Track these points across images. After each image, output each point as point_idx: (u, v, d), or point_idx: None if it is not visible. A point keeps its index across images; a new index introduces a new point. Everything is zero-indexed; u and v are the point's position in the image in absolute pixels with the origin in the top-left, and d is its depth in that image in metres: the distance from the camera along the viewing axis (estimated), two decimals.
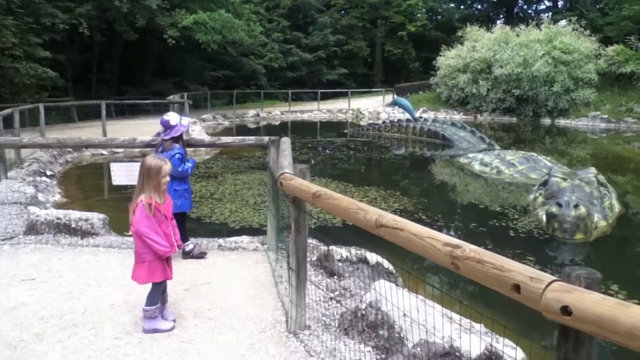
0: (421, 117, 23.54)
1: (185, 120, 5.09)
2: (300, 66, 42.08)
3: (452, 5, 51.03)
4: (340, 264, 5.17)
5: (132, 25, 25.15)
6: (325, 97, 35.28)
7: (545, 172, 12.21)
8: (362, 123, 27.88)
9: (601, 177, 9.48)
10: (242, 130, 25.51)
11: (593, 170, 9.85)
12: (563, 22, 33.63)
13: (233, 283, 4.64)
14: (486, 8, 53.59)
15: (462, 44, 32.77)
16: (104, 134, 15.89)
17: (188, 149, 5.27)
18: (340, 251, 5.27)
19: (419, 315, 3.50)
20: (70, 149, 12.21)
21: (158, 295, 3.63)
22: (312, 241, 6.16)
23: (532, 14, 48.39)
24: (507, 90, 29.56)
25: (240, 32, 27.34)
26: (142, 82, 31.20)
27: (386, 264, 5.34)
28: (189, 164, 5.04)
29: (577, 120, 28.55)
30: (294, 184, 3.31)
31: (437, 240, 2.05)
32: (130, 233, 3.51)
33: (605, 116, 27.98)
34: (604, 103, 29.10)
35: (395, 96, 34.19)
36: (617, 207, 9.09)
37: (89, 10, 22.94)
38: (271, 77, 40.30)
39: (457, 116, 30.39)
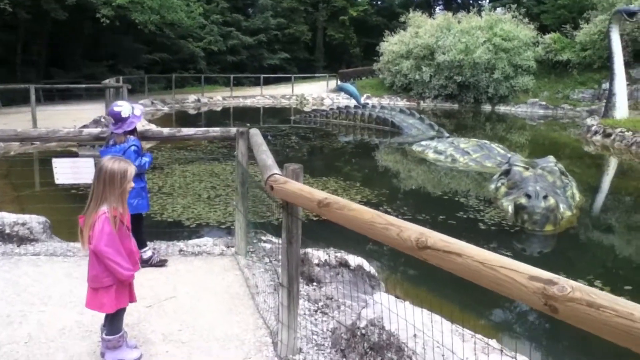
0: (367, 104, 23.28)
1: (138, 110, 4.44)
2: (240, 50, 40.94)
3: None
4: (318, 268, 4.69)
5: (61, 2, 23.44)
6: (267, 82, 34.46)
7: (500, 160, 12.17)
8: (306, 109, 27.38)
9: (561, 166, 9.42)
10: (183, 116, 24.48)
11: (552, 159, 9.78)
12: (499, 10, 34.22)
13: (203, 296, 4.08)
14: None
15: (404, 29, 32.71)
16: (34, 122, 14.65)
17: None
18: (317, 254, 4.79)
19: (424, 332, 3.08)
20: None
21: (121, 321, 3.04)
22: (276, 240, 5.66)
23: (470, 1, 49.16)
24: (449, 76, 29.75)
25: (180, 13, 26.08)
26: (72, 65, 29.36)
27: (367, 266, 4.91)
28: (146, 159, 4.41)
29: (517, 107, 29.14)
30: (290, 188, 2.78)
31: (517, 273, 1.61)
32: (85, 250, 2.88)
33: (544, 103, 28.68)
34: (542, 90, 29.83)
35: (339, 82, 33.84)
36: (577, 196, 9.05)
37: None
38: (211, 60, 39.01)
39: (401, 102, 30.36)
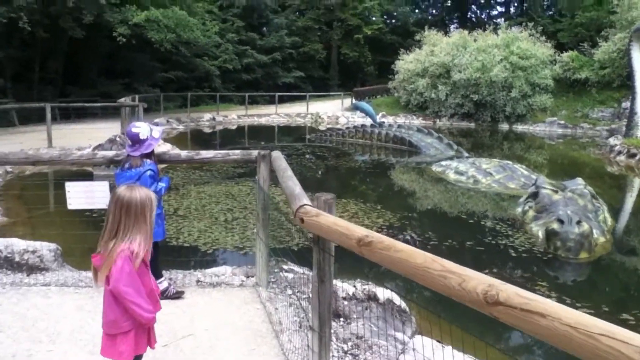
0: (383, 122, 23.04)
1: (157, 132, 4.20)
2: (255, 68, 41.00)
3: (407, 8, 51.02)
4: (345, 302, 4.38)
5: (78, 21, 23.55)
6: (282, 100, 34.39)
7: (524, 181, 11.81)
8: (321, 128, 27.19)
9: (590, 189, 9.03)
10: (198, 135, 24.37)
11: (581, 181, 9.40)
12: (515, 29, 33.94)
13: (222, 333, 3.78)
14: (440, 12, 53.95)
15: (420, 47, 32.54)
16: (49, 141, 14.57)
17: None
18: (343, 286, 4.48)
19: None
20: None
21: None
22: (299, 270, 5.36)
23: (485, 19, 49.02)
24: (465, 95, 29.44)
25: (196, 31, 26.15)
26: (88, 83, 29.48)
27: (397, 299, 4.59)
28: (162, 184, 4.15)
29: (535, 126, 28.70)
30: (324, 222, 2.49)
31: (626, 345, 1.29)
32: (99, 286, 2.59)
33: (562, 122, 28.22)
34: (560, 109, 29.39)
35: (354, 100, 33.69)
36: (609, 221, 8.66)
37: (30, 3, 21.20)
38: (225, 79, 39.06)
39: (416, 121, 30.08)
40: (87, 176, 9.72)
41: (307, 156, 16.77)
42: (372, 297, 4.47)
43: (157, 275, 4.32)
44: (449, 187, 12.01)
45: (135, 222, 2.49)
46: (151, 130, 4.17)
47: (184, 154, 4.41)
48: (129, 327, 2.50)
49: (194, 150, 4.47)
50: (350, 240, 2.27)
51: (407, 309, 4.56)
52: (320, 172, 13.62)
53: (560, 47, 31.84)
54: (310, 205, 2.75)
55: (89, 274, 4.64)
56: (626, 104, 27.09)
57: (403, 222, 8.48)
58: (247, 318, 4.05)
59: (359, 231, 2.25)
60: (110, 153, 4.34)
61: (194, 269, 5.11)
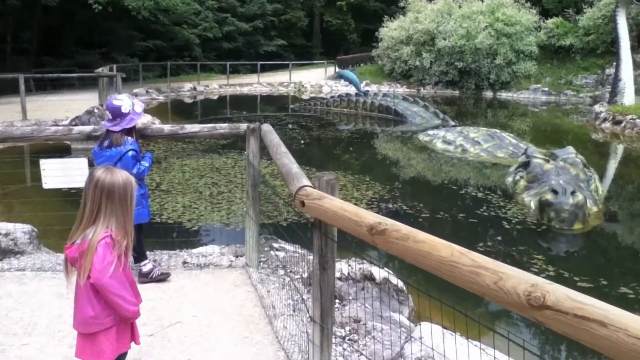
0: (367, 91, 22.69)
1: (139, 107, 3.89)
2: (236, 36, 40.05)
3: None
4: (340, 282, 4.16)
5: None
6: (264, 69, 33.70)
7: (512, 150, 11.66)
8: (304, 97, 26.76)
9: (582, 158, 8.88)
10: (178, 105, 23.81)
11: (572, 149, 9.25)
12: None
13: (212, 320, 3.54)
14: None
15: (404, 15, 31.99)
16: (24, 113, 14.03)
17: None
18: (339, 266, 4.25)
19: None
20: None
21: None
22: (290, 248, 5.13)
23: None
24: (450, 62, 29.11)
25: None
26: (64, 53, 28.54)
27: (393, 279, 4.38)
28: (145, 163, 3.85)
29: (519, 93, 28.54)
30: (329, 207, 2.23)
31: None
32: (70, 286, 2.32)
33: (546, 89, 28.09)
34: (544, 76, 29.24)
35: (337, 69, 33.20)
36: (600, 190, 8.54)
37: None
38: (206, 47, 38.13)
39: (401, 89, 29.75)
40: (65, 150, 9.33)
41: (291, 126, 16.43)
42: (369, 277, 4.25)
43: (141, 257, 4.07)
44: (437, 156, 11.82)
45: (117, 207, 2.23)
46: (133, 105, 3.85)
47: (166, 128, 4.10)
48: (110, 322, 2.25)
49: (177, 124, 4.17)
50: (360, 228, 2.02)
51: (405, 288, 4.36)
52: (305, 143, 13.31)
53: (545, 14, 31.50)
54: (311, 187, 2.48)
55: None
56: (610, 71, 27.03)
57: (393, 193, 8.26)
58: (238, 302, 3.81)
59: (371, 217, 2.00)
60: (87, 128, 4.01)
61: (180, 249, 4.84)
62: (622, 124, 16.21)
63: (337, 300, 4.05)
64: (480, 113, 23.59)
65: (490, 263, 1.57)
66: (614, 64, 24.00)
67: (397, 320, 3.83)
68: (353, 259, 4.47)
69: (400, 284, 4.36)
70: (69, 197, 5.62)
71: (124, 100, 3.76)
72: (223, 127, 4.21)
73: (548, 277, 5.26)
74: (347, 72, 24.21)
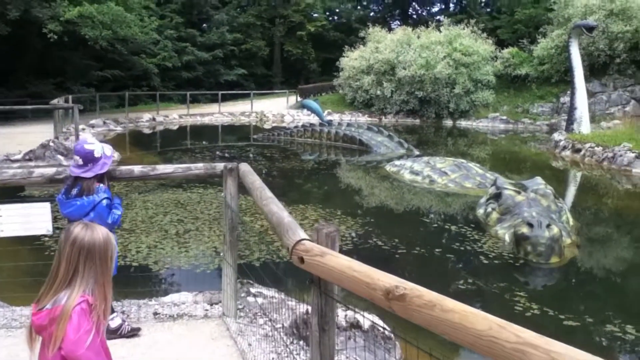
0: (331, 121, 22.67)
1: (108, 149, 3.60)
2: (196, 66, 39.74)
3: (349, 5, 50.92)
4: None
5: (2, 16, 21.91)
6: (225, 99, 33.41)
7: (480, 180, 11.69)
8: (266, 126, 26.59)
9: (551, 188, 8.92)
10: (137, 136, 23.25)
11: (540, 180, 9.30)
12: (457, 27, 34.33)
13: None
14: (382, 9, 54.25)
15: (364, 44, 32.41)
16: None
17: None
18: None
19: None
20: None
21: None
22: (267, 292, 4.85)
23: (426, 16, 49.54)
24: (410, 92, 29.51)
25: (133, 27, 24.89)
26: (16, 83, 27.63)
27: (379, 324, 4.15)
28: (117, 212, 3.54)
29: (478, 122, 29.09)
30: (335, 265, 1.99)
31: None
32: (35, 354, 2.01)
33: (504, 117, 28.72)
34: (502, 104, 29.92)
35: (299, 98, 33.24)
36: (571, 221, 8.55)
37: None
38: (165, 77, 37.63)
39: (362, 118, 29.94)
40: (20, 191, 8.79)
41: (256, 158, 16.17)
42: (355, 325, 4.01)
43: (110, 311, 3.71)
44: (405, 187, 11.74)
45: (96, 269, 1.96)
46: (103, 147, 3.57)
47: (137, 169, 3.80)
48: None
49: (148, 165, 3.88)
50: (373, 292, 1.79)
51: (392, 336, 4.13)
52: (271, 176, 13.05)
53: (500, 44, 32.44)
54: (309, 240, 2.25)
55: (26, 311, 3.97)
56: (564, 99, 27.88)
57: (366, 228, 8.07)
58: (218, 358, 3.51)
59: (386, 279, 1.77)
60: (49, 171, 3.68)
61: (150, 298, 4.49)
62: (582, 152, 16.56)
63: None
64: (441, 141, 23.89)
65: (539, 340, 1.36)
66: (569, 92, 24.80)
67: None
68: (338, 304, 4.22)
69: (387, 330, 4.13)
70: (27, 245, 5.21)
71: (95, 144, 3.47)
72: (198, 168, 3.95)
73: (533, 315, 5.13)
74: (310, 102, 24.20)
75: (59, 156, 12.98)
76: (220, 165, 3.95)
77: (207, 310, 4.24)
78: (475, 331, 1.44)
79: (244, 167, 3.91)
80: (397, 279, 1.77)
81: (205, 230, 7.67)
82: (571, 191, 12.72)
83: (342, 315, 4.03)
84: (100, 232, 2.00)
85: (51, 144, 13.42)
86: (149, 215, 8.40)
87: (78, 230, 1.97)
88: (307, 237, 2.28)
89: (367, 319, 4.01)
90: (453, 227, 8.31)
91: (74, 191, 3.42)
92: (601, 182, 13.73)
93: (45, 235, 4.76)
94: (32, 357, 2.01)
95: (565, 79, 27.89)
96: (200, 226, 7.86)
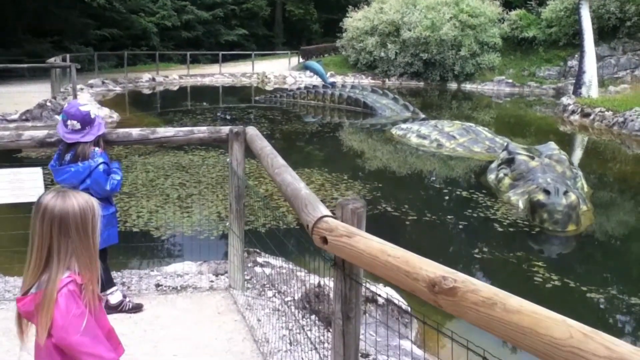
0: (334, 83, 22.18)
1: (97, 110, 3.31)
2: (195, 25, 38.80)
3: None
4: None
5: None
6: (225, 59, 32.72)
7: (489, 144, 11.39)
8: (268, 88, 26.10)
9: (565, 154, 8.63)
10: (137, 96, 22.81)
11: (554, 145, 9.00)
12: None
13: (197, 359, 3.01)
14: None
15: (368, 5, 31.57)
16: None
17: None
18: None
19: None
20: None
21: None
22: (275, 262, 4.62)
23: None
24: (415, 54, 28.87)
25: None
26: (13, 42, 26.97)
27: (396, 297, 3.93)
28: (116, 177, 3.26)
29: (483, 85, 28.56)
30: (365, 249, 1.71)
31: None
32: (26, 348, 1.77)
33: (510, 81, 28.19)
34: (508, 67, 29.32)
35: (301, 59, 32.61)
36: (586, 187, 8.29)
37: None
38: (164, 37, 36.78)
39: (365, 80, 29.37)
40: (14, 154, 8.48)
41: (259, 120, 15.79)
42: (370, 299, 3.79)
43: (108, 284, 3.48)
44: (412, 152, 11.44)
45: (75, 242, 1.68)
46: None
47: (135, 132, 3.51)
48: None
49: (148, 128, 3.58)
50: (414, 282, 1.52)
51: (409, 308, 3.90)
52: (274, 139, 12.73)
53: (508, 6, 31.54)
54: (332, 217, 1.97)
55: (19, 282, 3.73)
56: (572, 63, 27.29)
57: (374, 193, 7.81)
58: (225, 335, 3.28)
59: (430, 268, 1.50)
60: (39, 133, 3.38)
61: (151, 269, 4.26)
62: (591, 117, 16.19)
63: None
64: (445, 105, 23.46)
65: (635, 353, 1.09)
66: (577, 56, 24.20)
67: (407, 351, 3.38)
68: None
69: (404, 303, 3.91)
70: (19, 213, 4.94)
71: (89, 105, 3.17)
72: (202, 131, 3.65)
73: (554, 287, 4.91)
74: (313, 63, 23.64)
75: (57, 116, 12.64)
76: (225, 129, 3.65)
77: (212, 281, 4.01)
78: (551, 339, 1.17)
79: (251, 131, 3.61)
80: (443, 268, 1.50)
81: (208, 194, 7.41)
82: (581, 156, 12.42)
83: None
84: (75, 199, 1.69)
85: (48, 103, 13.06)
86: (150, 179, 8.13)
87: (48, 199, 1.67)
88: (330, 214, 2.00)
89: (382, 292, 3.78)
90: (464, 193, 8.05)
91: (68, 157, 3.14)
92: (611, 148, 13.41)
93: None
94: (24, 348, 1.77)
95: (573, 42, 27.24)
96: (202, 190, 7.60)
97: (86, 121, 3.14)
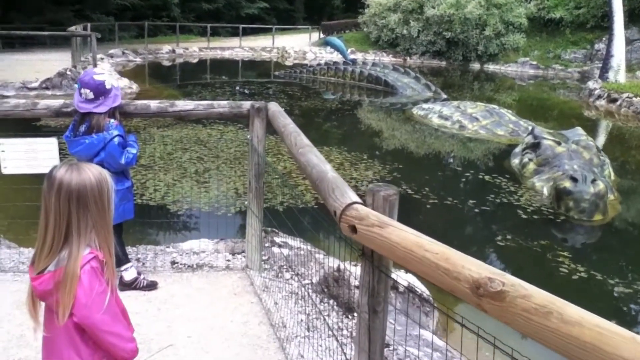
0: (355, 59, 21.84)
1: (115, 79, 3.18)
2: None
3: None
4: (358, 293, 3.55)
5: None
6: (245, 33, 32.43)
7: (512, 127, 11.13)
8: (287, 63, 25.85)
9: (592, 140, 8.36)
10: (156, 68, 22.72)
11: (581, 130, 8.74)
12: None
13: (211, 342, 2.92)
14: None
15: None
16: None
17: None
18: (356, 271, 3.63)
19: None
20: None
21: None
22: (293, 242, 4.50)
23: None
24: (438, 32, 28.32)
25: None
26: (34, 9, 26.91)
27: (417, 285, 3.80)
28: (132, 150, 3.15)
29: (506, 66, 27.97)
30: (399, 241, 1.58)
31: None
32: (40, 328, 1.68)
33: (534, 62, 27.56)
34: (533, 49, 28.65)
35: (322, 35, 32.20)
36: (613, 176, 8.05)
37: None
38: (185, 8, 36.49)
39: (387, 58, 28.93)
40: (33, 122, 8.41)
41: (279, 95, 15.61)
42: (391, 286, 3.65)
43: (123, 260, 3.40)
44: (433, 133, 11.22)
45: (94, 215, 1.60)
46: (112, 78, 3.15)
47: (154, 104, 3.38)
48: None
49: (167, 100, 3.45)
50: (455, 282, 1.38)
51: (430, 297, 3.78)
52: (293, 115, 12.56)
53: None
54: (362, 204, 1.83)
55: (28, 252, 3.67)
56: (599, 46, 26.58)
57: (394, 175, 7.65)
58: (240, 318, 3.19)
59: (473, 267, 1.35)
60: (56, 103, 3.27)
61: (167, 245, 4.17)
62: (618, 102, 15.76)
63: (355, 314, 3.46)
64: (466, 85, 23.05)
65: None
66: (604, 39, 23.55)
67: (429, 341, 3.26)
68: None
69: (426, 291, 3.79)
70: (35, 184, 4.88)
71: (105, 74, 3.04)
72: (222, 106, 3.51)
73: (580, 279, 4.75)
74: (334, 39, 23.27)
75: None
76: (246, 104, 3.50)
77: (229, 261, 3.91)
78: (619, 359, 1.03)
79: (273, 107, 3.46)
80: (489, 268, 1.35)
81: (226, 170, 7.31)
82: (605, 143, 12.08)
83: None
84: (90, 171, 1.61)
85: (68, 72, 12.99)
86: (168, 152, 8.05)
87: (62, 173, 1.58)
88: (359, 200, 1.86)
89: (402, 280, 3.66)
90: (486, 177, 7.85)
91: (82, 128, 3.03)
92: (635, 134, 13.04)
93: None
94: (37, 327, 1.68)
95: (601, 25, 26.49)
96: (220, 165, 7.50)
97: (100, 91, 3.01)
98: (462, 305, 3.59)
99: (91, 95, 3.00)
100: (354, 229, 1.77)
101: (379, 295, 1.89)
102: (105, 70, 2.82)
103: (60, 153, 3.42)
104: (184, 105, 3.46)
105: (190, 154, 7.96)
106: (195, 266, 3.79)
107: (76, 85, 3.18)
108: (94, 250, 1.60)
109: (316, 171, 2.22)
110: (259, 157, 3.51)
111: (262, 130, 3.49)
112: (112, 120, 3.07)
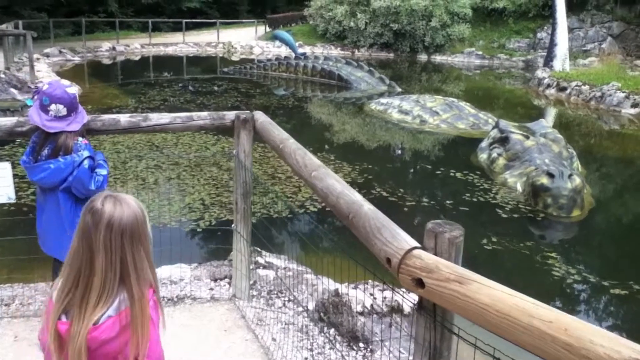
0: (305, 53, 21.47)
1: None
2: None
3: None
4: (362, 318, 3.22)
5: None
6: (188, 28, 31.39)
7: (473, 120, 11.07)
8: (234, 58, 25.21)
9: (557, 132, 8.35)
10: (97, 67, 21.66)
11: (545, 123, 8.73)
12: None
13: None
14: None
15: None
16: None
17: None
18: (357, 295, 3.30)
19: None
20: None
21: None
22: (277, 261, 4.14)
23: None
24: (385, 24, 28.27)
25: None
26: None
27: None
28: (102, 171, 2.71)
29: (453, 57, 28.26)
30: (491, 303, 1.25)
31: None
32: None
33: (480, 52, 27.96)
34: (478, 39, 29.07)
35: (268, 28, 31.63)
36: (580, 168, 8.04)
37: None
38: (122, 2, 35.02)
39: (334, 51, 28.67)
40: None
41: (228, 92, 15.06)
42: (396, 309, 3.36)
43: None
44: (395, 128, 11.02)
45: (146, 249, 1.51)
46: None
47: (124, 119, 2.93)
48: None
49: (139, 114, 3.00)
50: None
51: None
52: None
53: None
54: (422, 250, 1.49)
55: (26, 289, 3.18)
56: (541, 34, 27.23)
57: (366, 176, 7.35)
58: (236, 358, 2.80)
59: (608, 343, 1.04)
60: (8, 121, 2.77)
61: None
62: (567, 91, 16.05)
63: (361, 344, 3.13)
64: (415, 77, 23.13)
65: None
66: (546, 27, 24.08)
67: None
68: (370, 281, 3.52)
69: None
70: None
71: (72, 85, 2.59)
72: (202, 117, 3.09)
73: (574, 282, 4.59)
74: (283, 33, 22.86)
75: (12, 89, 11.70)
76: (230, 115, 3.11)
77: (212, 289, 3.51)
78: None
79: (261, 117, 3.08)
80: (627, 344, 1.05)
81: (188, 178, 6.83)
82: (562, 132, 12.19)
83: (380, 297, 3.36)
84: (134, 203, 1.50)
85: (2, 75, 12.07)
86: (122, 160, 7.48)
87: (109, 208, 1.43)
88: (418, 245, 1.52)
89: (407, 300, 3.36)
90: (458, 174, 7.67)
91: (45, 151, 2.56)
92: (589, 122, 13.28)
93: (5, 205, 3.88)
94: None
95: (542, 14, 27.15)
96: (181, 173, 7.01)
97: (74, 106, 2.57)
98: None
99: (64, 112, 2.53)
100: (420, 282, 1.43)
101: (442, 355, 1.56)
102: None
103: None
104: (158, 118, 3.02)
105: (147, 162, 7.43)
106: (175, 299, 3.37)
107: (32, 101, 2.71)
108: (149, 285, 1.51)
109: (344, 202, 1.87)
110: (246, 173, 3.12)
111: (249, 143, 3.10)
112: (80, 139, 2.62)
